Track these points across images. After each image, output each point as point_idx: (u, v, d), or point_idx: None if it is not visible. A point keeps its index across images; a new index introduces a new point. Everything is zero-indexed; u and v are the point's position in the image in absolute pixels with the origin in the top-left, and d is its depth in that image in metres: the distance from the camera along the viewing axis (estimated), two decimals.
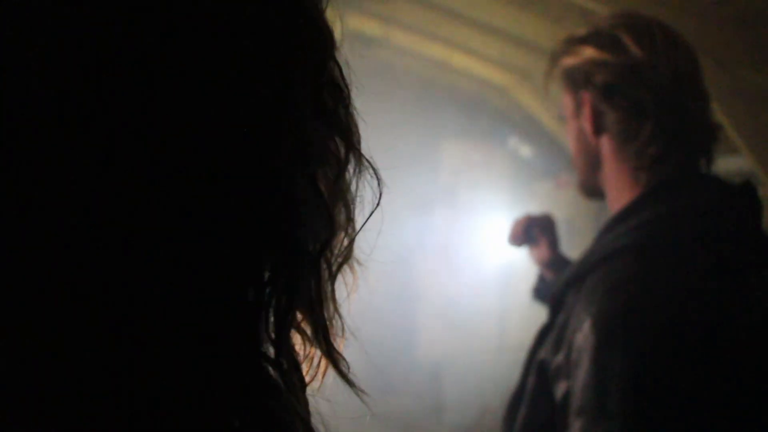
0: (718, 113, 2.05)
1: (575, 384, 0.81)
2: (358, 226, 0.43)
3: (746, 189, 0.90)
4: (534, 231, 1.28)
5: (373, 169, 0.43)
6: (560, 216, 3.10)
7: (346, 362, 0.42)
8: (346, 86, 0.41)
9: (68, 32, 0.31)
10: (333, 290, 0.41)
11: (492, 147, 3.91)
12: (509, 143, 3.83)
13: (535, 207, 3.49)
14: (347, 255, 0.43)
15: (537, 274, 1.32)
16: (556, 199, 3.29)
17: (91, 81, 0.31)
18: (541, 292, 1.29)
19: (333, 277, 0.41)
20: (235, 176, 0.34)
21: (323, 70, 0.39)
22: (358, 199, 0.43)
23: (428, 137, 3.90)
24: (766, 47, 1.79)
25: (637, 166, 0.91)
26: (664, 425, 0.78)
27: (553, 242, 1.28)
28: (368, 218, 0.43)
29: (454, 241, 3.78)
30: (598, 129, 0.93)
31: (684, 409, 0.78)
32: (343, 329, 0.42)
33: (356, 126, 0.42)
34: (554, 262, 1.26)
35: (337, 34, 0.42)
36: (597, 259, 0.87)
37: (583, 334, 0.81)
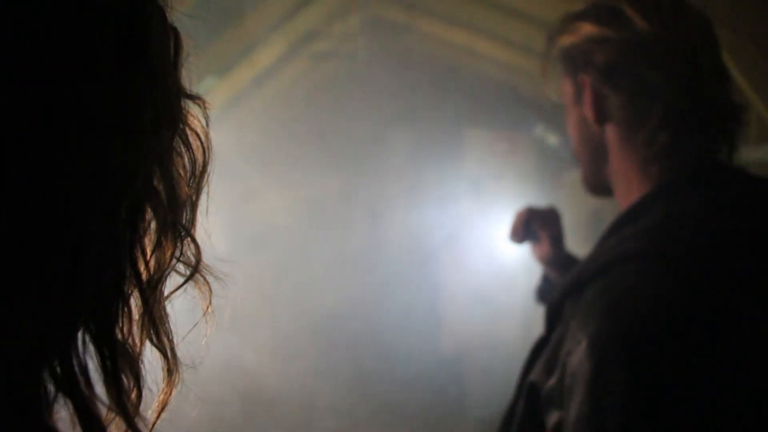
0: (753, 97, 1.92)
1: (569, 415, 0.70)
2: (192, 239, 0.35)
3: None
4: (536, 226, 1.17)
5: (197, 151, 0.34)
6: (587, 207, 3.00)
7: (142, 418, 0.33)
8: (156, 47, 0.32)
9: None
10: (151, 319, 0.33)
11: (518, 135, 3.80)
12: (536, 131, 3.71)
13: (561, 197, 3.40)
14: (190, 270, 0.34)
15: (541, 273, 1.22)
16: (584, 189, 3.17)
17: None
18: (545, 293, 1.19)
19: (149, 302, 0.33)
20: None
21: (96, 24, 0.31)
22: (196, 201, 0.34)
23: (452, 126, 3.81)
24: None
25: (647, 156, 0.80)
26: None
27: (556, 238, 1.16)
28: (173, 230, 0.34)
29: (479, 233, 3.70)
30: (602, 116, 0.82)
31: None
32: (172, 366, 0.34)
33: (172, 104, 0.33)
34: (558, 260, 1.15)
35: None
36: (598, 267, 0.75)
37: (578, 358, 0.69)
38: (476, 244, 3.71)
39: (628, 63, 0.78)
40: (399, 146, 3.89)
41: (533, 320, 3.75)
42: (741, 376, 0.67)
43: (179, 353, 0.35)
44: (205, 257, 0.36)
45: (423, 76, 3.67)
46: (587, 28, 0.81)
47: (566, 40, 0.84)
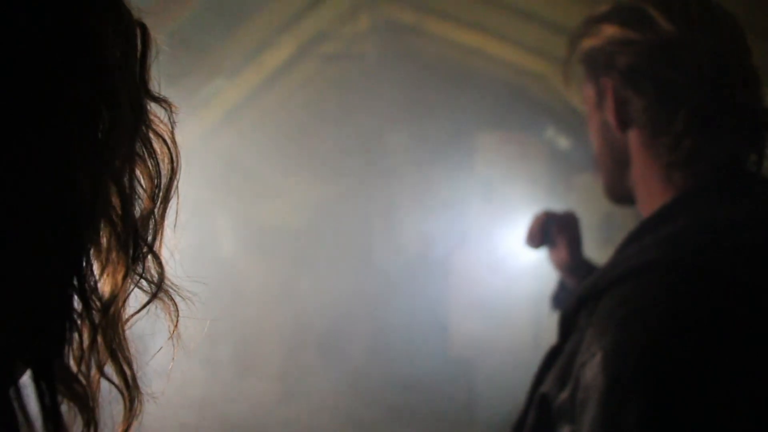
0: None
1: (580, 431, 0.67)
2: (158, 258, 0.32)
3: None
4: (553, 231, 1.14)
5: (155, 157, 0.30)
6: (599, 211, 2.97)
7: None
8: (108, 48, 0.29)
9: None
10: (107, 346, 0.30)
11: (529, 138, 3.77)
12: (546, 134, 3.69)
13: (572, 200, 3.36)
14: (154, 288, 0.31)
15: (557, 280, 1.20)
16: (595, 192, 3.13)
17: None
18: (561, 301, 1.16)
19: (98, 327, 0.30)
20: None
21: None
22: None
23: (463, 128, 3.79)
24: None
25: (671, 162, 0.76)
26: None
27: (574, 244, 1.14)
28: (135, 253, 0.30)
29: (489, 236, 3.67)
30: (624, 120, 0.79)
31: None
32: (132, 397, 0.31)
33: (130, 107, 0.30)
34: (575, 266, 1.12)
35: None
36: (616, 276, 0.72)
37: (592, 371, 0.66)
38: (486, 247, 3.68)
39: (652, 65, 0.76)
40: (408, 148, 3.87)
41: (543, 325, 3.74)
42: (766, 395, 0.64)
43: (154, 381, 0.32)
44: (173, 275, 0.33)
45: (433, 78, 3.65)
46: (610, 30, 0.79)
47: (588, 43, 0.81)
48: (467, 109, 3.64)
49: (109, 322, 0.30)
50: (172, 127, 0.33)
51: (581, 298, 0.76)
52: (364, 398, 3.31)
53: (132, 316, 0.32)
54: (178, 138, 0.33)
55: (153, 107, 0.33)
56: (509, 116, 3.64)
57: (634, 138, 0.80)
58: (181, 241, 0.33)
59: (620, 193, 0.87)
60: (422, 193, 3.84)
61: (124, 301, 0.31)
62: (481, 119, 3.73)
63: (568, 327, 0.78)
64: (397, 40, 3.74)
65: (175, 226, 0.33)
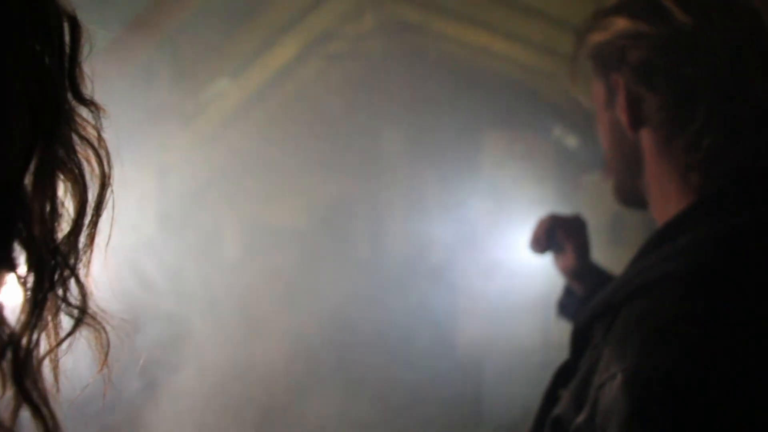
0: None
1: None
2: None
3: None
4: (559, 234, 1.09)
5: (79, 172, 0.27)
6: (608, 210, 2.92)
7: None
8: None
9: None
10: (19, 387, 0.26)
11: (536, 137, 3.73)
12: (554, 133, 3.64)
13: (581, 200, 3.32)
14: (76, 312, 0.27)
15: (563, 286, 1.15)
16: (604, 191, 3.08)
17: None
18: (567, 308, 1.12)
19: None
20: None
21: None
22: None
23: (469, 127, 3.75)
24: None
25: (688, 164, 0.71)
26: None
27: (581, 249, 1.09)
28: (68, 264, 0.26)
29: (496, 235, 3.63)
30: (637, 119, 0.74)
31: None
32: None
33: (51, 110, 0.26)
34: (582, 272, 1.07)
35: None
36: (636, 287, 0.66)
37: (612, 394, 0.61)
38: (493, 247, 3.64)
39: (667, 60, 0.71)
40: (414, 148, 3.84)
41: (552, 327, 3.68)
42: None
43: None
44: (101, 300, 0.29)
45: (439, 77, 3.61)
46: (620, 23, 0.74)
47: (597, 37, 0.76)
48: (474, 107, 3.60)
49: (20, 358, 0.26)
50: (100, 132, 0.29)
51: (595, 311, 0.71)
52: (366, 399, 3.28)
53: (52, 350, 0.28)
54: (108, 145, 0.29)
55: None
56: (516, 115, 3.60)
57: (647, 137, 0.76)
58: (111, 261, 0.30)
59: (631, 196, 0.82)
60: (427, 193, 3.80)
61: (40, 333, 0.27)
62: (487, 118, 3.69)
63: (580, 342, 0.73)
64: (403, 39, 3.71)
65: (107, 243, 0.29)
